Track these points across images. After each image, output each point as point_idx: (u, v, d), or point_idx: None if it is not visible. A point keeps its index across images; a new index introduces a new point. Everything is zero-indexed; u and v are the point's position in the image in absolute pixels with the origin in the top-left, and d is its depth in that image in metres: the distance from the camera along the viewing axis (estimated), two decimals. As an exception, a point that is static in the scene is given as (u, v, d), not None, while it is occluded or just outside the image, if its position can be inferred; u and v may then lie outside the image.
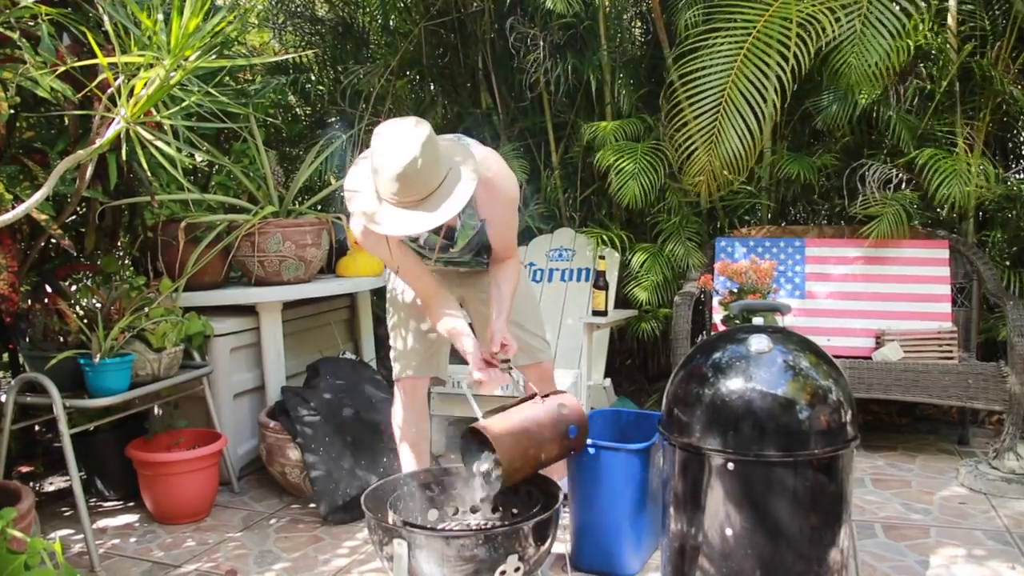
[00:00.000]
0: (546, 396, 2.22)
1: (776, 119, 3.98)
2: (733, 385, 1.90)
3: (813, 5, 3.17)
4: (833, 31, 3.22)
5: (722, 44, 3.37)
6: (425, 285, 2.35)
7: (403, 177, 1.92)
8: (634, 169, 3.74)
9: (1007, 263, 3.81)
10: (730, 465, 1.87)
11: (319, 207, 3.92)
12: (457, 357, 2.48)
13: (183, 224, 3.17)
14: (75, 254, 2.92)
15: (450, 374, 2.67)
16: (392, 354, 2.60)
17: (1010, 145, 4.29)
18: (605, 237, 4.03)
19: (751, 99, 3.34)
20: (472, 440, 2.13)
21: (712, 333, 3.76)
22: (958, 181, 3.34)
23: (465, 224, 2.28)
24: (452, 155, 2.07)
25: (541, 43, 4.06)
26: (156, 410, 3.26)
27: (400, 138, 1.93)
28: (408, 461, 2.57)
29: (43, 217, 2.44)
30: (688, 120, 3.50)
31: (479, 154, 2.19)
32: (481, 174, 2.14)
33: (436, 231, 2.31)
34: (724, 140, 3.42)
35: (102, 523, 2.96)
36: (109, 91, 2.08)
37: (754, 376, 1.89)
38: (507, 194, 2.24)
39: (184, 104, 2.09)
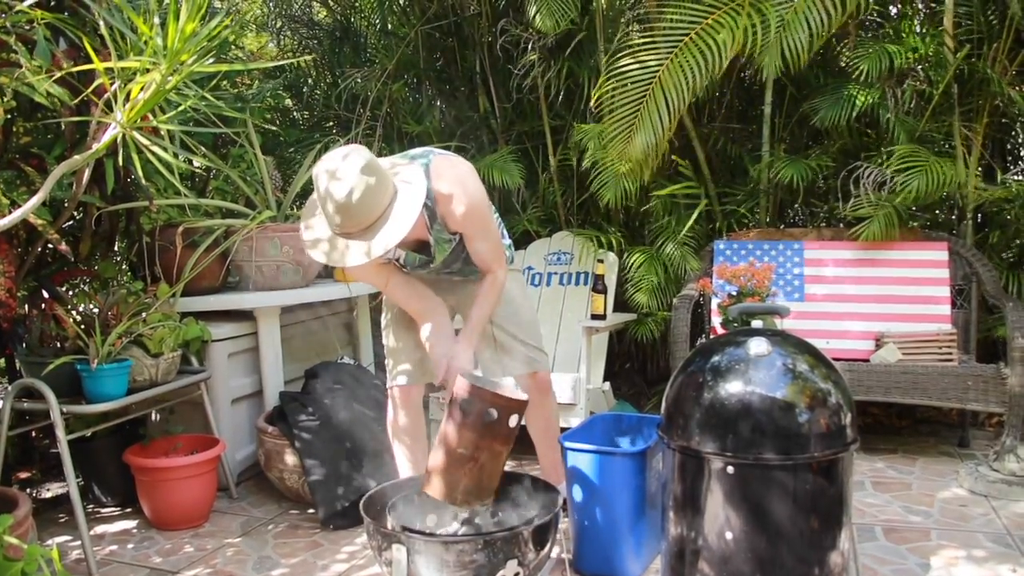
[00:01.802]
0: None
1: (774, 121, 4.00)
2: (732, 388, 1.89)
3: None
4: (755, 35, 3.31)
5: (649, 49, 3.48)
6: (415, 307, 2.34)
7: (342, 209, 1.93)
8: (618, 170, 3.75)
9: (1006, 265, 3.81)
10: (729, 468, 1.86)
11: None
12: None
13: (181, 229, 3.16)
14: (71, 259, 2.91)
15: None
16: (386, 361, 2.60)
17: (1008, 146, 4.29)
18: (603, 240, 4.03)
19: (670, 101, 3.42)
20: None
21: (711, 336, 3.76)
22: (922, 175, 3.33)
23: (438, 239, 2.27)
24: (401, 178, 2.06)
25: (530, 46, 4.06)
26: (154, 416, 3.25)
27: (336, 170, 1.94)
28: (404, 470, 2.57)
29: (40, 222, 2.43)
30: (609, 112, 3.60)
31: (440, 169, 2.17)
32: (440, 191, 2.14)
33: (415, 249, 2.31)
34: (640, 133, 3.52)
35: (100, 529, 2.95)
36: (105, 96, 2.07)
37: (753, 379, 1.88)
38: (470, 209, 2.18)
39: (180, 108, 2.08)
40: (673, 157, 3.99)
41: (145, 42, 1.82)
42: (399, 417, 2.56)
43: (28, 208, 1.82)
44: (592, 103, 3.74)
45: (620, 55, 3.55)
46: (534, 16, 3.75)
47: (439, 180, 2.16)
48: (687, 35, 3.39)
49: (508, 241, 2.60)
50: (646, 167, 3.71)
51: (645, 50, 3.49)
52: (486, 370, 2.56)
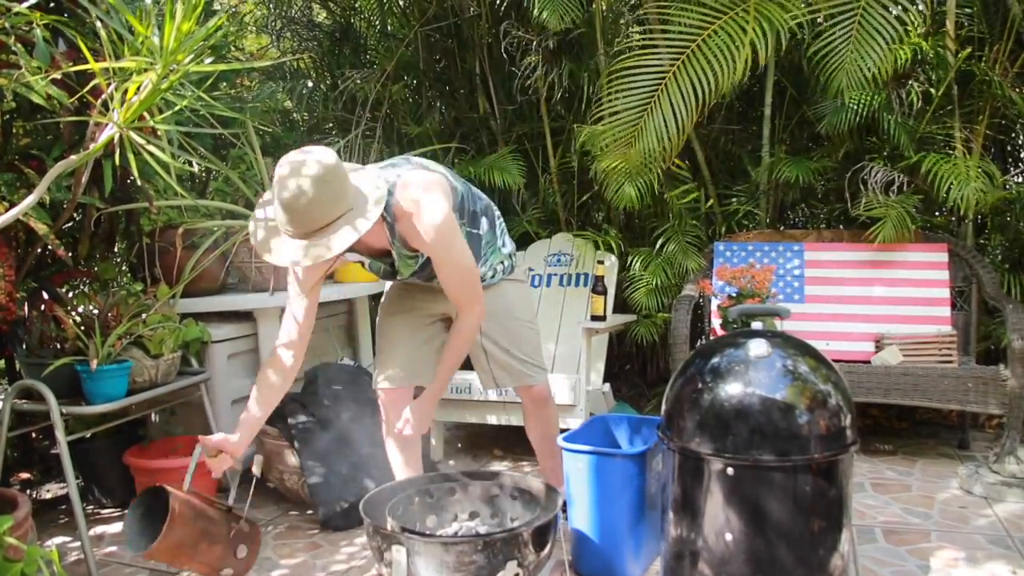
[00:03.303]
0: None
1: (774, 123, 3.99)
2: (732, 389, 1.89)
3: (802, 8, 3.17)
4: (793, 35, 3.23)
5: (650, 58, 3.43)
6: (284, 331, 2.25)
7: (288, 208, 1.86)
8: (629, 172, 3.73)
9: (1006, 266, 3.80)
10: (729, 470, 1.86)
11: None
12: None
13: (180, 230, 3.16)
14: (69, 264, 2.91)
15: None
16: (373, 361, 2.58)
17: (1008, 148, 4.29)
18: (602, 242, 4.02)
19: (676, 109, 3.36)
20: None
21: (711, 337, 3.76)
22: (964, 183, 3.30)
23: (400, 253, 2.18)
24: (363, 190, 1.96)
25: (533, 47, 4.06)
26: (154, 417, 3.25)
27: (297, 170, 1.86)
28: (399, 473, 2.56)
29: (42, 228, 2.43)
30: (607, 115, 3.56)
31: (406, 183, 2.06)
32: (401, 207, 2.05)
33: (378, 257, 2.25)
34: (644, 138, 3.45)
35: (99, 530, 2.95)
36: (103, 97, 2.07)
37: (753, 380, 1.88)
38: (428, 230, 2.03)
39: (176, 108, 2.08)
40: (675, 161, 3.97)
41: (142, 42, 1.82)
42: (385, 425, 2.55)
43: (23, 207, 1.82)
44: (594, 106, 3.70)
45: (622, 57, 3.52)
46: (539, 13, 3.69)
47: (403, 195, 2.04)
48: (695, 41, 3.34)
49: (509, 249, 2.47)
50: (651, 173, 3.68)
51: (649, 53, 3.45)
52: (481, 382, 2.55)
